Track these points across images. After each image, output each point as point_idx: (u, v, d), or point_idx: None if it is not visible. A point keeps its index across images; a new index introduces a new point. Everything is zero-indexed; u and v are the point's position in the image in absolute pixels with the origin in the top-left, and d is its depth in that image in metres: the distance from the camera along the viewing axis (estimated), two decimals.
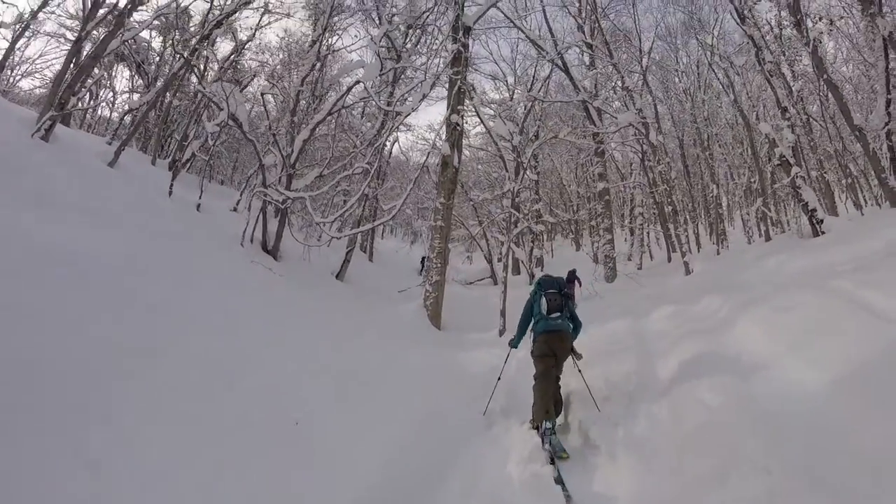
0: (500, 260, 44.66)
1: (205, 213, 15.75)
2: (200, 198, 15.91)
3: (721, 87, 32.67)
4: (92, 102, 31.29)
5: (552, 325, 8.25)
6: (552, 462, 6.76)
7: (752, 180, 30.67)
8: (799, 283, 9.87)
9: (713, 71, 31.86)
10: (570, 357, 8.71)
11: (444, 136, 18.20)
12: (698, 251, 33.42)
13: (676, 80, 37.77)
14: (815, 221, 17.45)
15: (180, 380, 6.55)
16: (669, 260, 32.10)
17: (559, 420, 7.80)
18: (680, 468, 5.84)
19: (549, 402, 7.57)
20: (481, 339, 11.52)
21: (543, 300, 8.45)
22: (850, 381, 5.67)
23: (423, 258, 39.73)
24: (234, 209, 18.28)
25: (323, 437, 7.05)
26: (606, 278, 27.45)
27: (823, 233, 17.07)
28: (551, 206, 47.10)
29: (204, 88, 15.98)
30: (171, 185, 15.17)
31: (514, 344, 9.08)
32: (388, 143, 26.39)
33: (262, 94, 18.98)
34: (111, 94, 33.91)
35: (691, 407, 6.75)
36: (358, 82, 16.28)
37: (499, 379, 9.06)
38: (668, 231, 29.58)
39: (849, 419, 5.21)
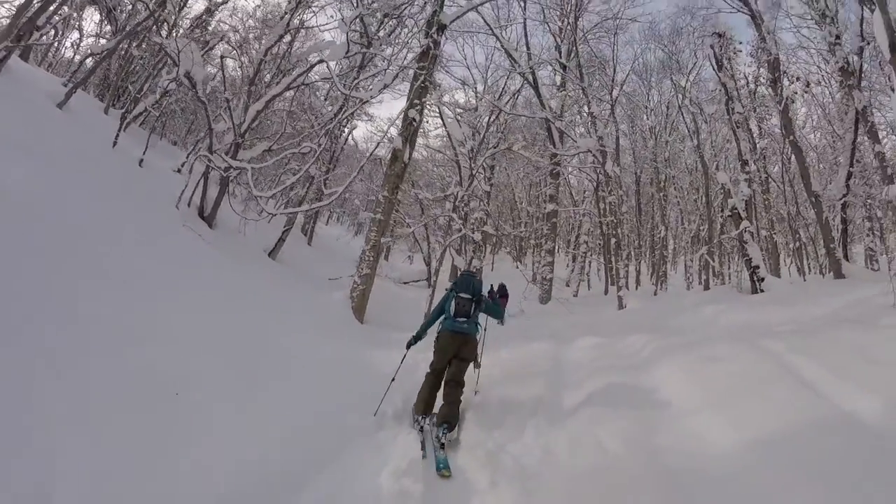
0: (439, 265, 44.74)
1: (146, 170, 15.34)
2: (144, 153, 15.56)
3: (687, 131, 32.81)
4: (57, 39, 30.35)
5: (457, 326, 8.08)
6: (423, 448, 6.74)
7: (702, 228, 30.77)
8: (732, 336, 9.40)
9: (682, 114, 32.11)
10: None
11: (399, 130, 17.45)
12: (636, 288, 33.64)
13: (644, 117, 37.97)
14: (755, 278, 17.46)
15: (54, 339, 6.02)
16: (606, 292, 32.26)
17: (452, 435, 7.21)
18: None
19: (431, 395, 7.83)
20: (401, 339, 10.71)
21: (453, 303, 8.24)
22: (769, 450, 5.11)
23: None
24: (178, 170, 17.59)
25: (199, 422, 6.37)
26: (541, 300, 27.32)
27: (762, 291, 17.09)
28: (500, 220, 46.77)
29: (163, 42, 15.16)
30: (117, 136, 14.73)
31: (414, 336, 8.69)
32: (345, 130, 25.99)
33: (221, 58, 18.06)
34: (78, 35, 33.04)
35: (589, 447, 6.16)
36: (321, 61, 15.57)
37: (392, 380, 8.52)
38: (609, 263, 29.30)
39: (762, 490, 4.66)
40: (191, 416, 6.31)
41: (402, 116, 17.50)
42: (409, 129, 16.95)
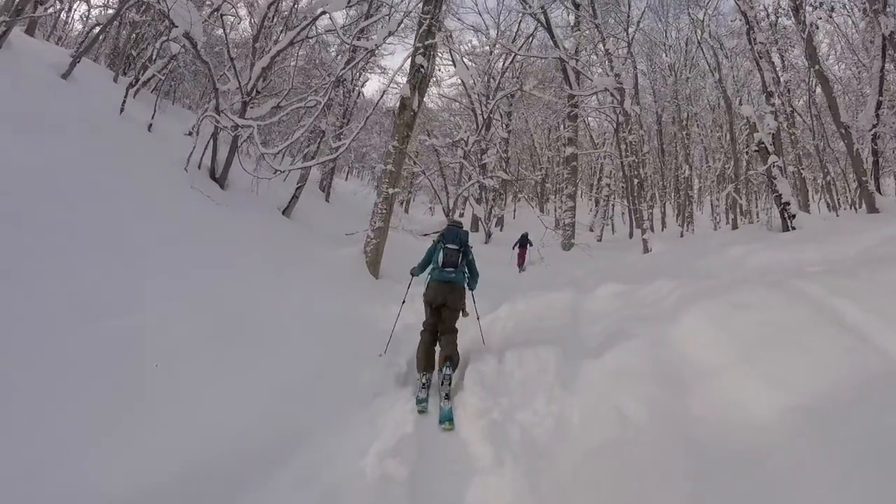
0: (461, 215, 44.11)
1: (156, 134, 14.91)
2: (153, 118, 15.17)
3: (707, 67, 31.87)
4: (63, 12, 29.89)
5: (445, 276, 8.31)
6: (420, 411, 6.75)
7: (727, 166, 29.92)
8: (762, 279, 8.54)
9: (701, 50, 31.22)
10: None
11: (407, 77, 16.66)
12: (662, 230, 32.95)
13: (663, 54, 37.00)
14: (786, 215, 16.66)
15: (33, 307, 5.92)
16: (631, 236, 31.72)
17: (456, 375, 7.66)
18: (574, 491, 4.65)
19: (429, 351, 7.94)
20: (414, 293, 10.29)
21: (441, 253, 8.44)
22: (812, 417, 4.39)
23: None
24: (190, 133, 16.61)
25: (176, 390, 5.96)
26: (563, 246, 26.79)
27: (794, 228, 16.37)
28: (519, 167, 46.00)
29: (158, 3, 14.49)
30: (124, 102, 14.34)
31: (414, 272, 9.18)
32: (357, 84, 25.25)
33: (220, 15, 17.38)
34: (87, 7, 32.39)
35: (607, 416, 5.46)
36: (324, 13, 14.82)
37: (392, 333, 9.01)
38: (632, 206, 28.50)
39: (806, 469, 3.94)
40: (164, 386, 5.92)
41: (409, 63, 16.71)
42: (418, 76, 16.12)
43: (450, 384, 7.22)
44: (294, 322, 8.95)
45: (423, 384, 7.32)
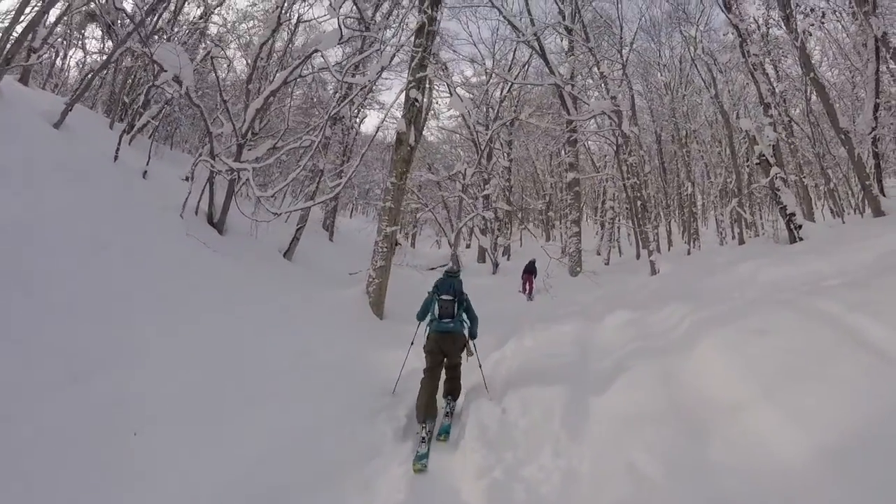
0: (468, 246, 43.77)
1: (151, 181, 14.51)
2: (148, 164, 14.81)
3: (703, 83, 31.72)
4: (59, 59, 29.80)
5: (443, 327, 8.34)
6: (418, 469, 6.42)
7: (729, 180, 29.61)
8: (776, 299, 7.98)
9: (696, 66, 31.25)
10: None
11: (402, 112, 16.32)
12: (669, 249, 32.62)
13: (658, 74, 36.90)
14: (792, 226, 16.32)
15: (17, 365, 5.85)
16: (638, 257, 31.50)
17: (456, 428, 7.49)
18: None
19: (430, 398, 7.74)
20: (422, 335, 9.89)
21: (436, 305, 8.50)
22: (840, 458, 3.94)
23: (396, 241, 38.26)
24: (186, 179, 16.21)
25: (153, 461, 5.60)
26: (570, 272, 26.36)
27: (801, 239, 16.02)
28: (522, 195, 45.72)
29: (146, 48, 14.22)
30: (118, 149, 13.89)
31: (419, 317, 9.09)
32: (356, 121, 25.02)
33: (211, 59, 17.09)
34: (82, 54, 32.24)
35: (620, 470, 4.96)
36: (316, 51, 14.56)
37: (398, 378, 8.84)
38: (637, 227, 28.12)
39: None
40: (141, 456, 5.61)
41: (404, 97, 16.41)
42: (413, 111, 15.87)
43: (452, 411, 7.75)
44: (289, 374, 8.50)
45: (424, 438, 7.05)
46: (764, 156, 17.58)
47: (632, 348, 8.31)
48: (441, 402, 8.03)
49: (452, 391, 8.23)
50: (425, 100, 30.55)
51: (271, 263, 15.87)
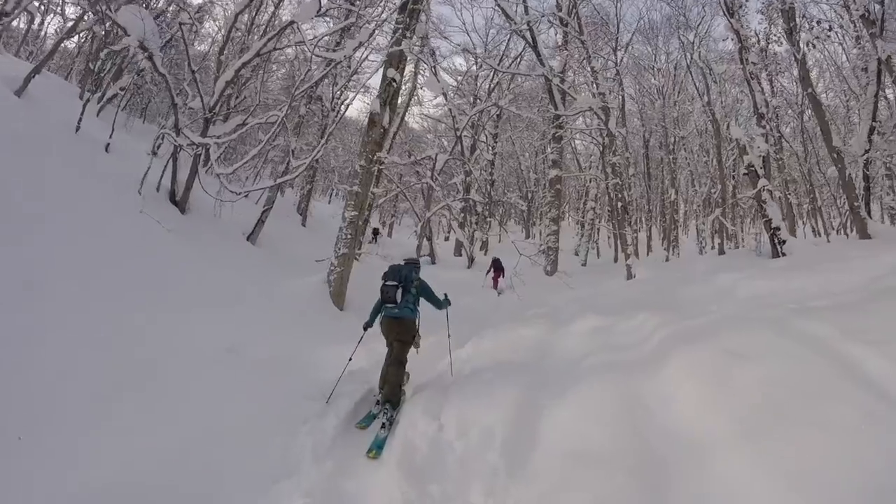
0: (446, 239, 43.01)
1: (113, 154, 14.00)
2: (111, 136, 14.25)
3: (696, 91, 31.60)
4: (34, 24, 29.02)
5: (388, 311, 8.33)
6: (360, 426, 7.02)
7: (713, 190, 29.17)
8: (758, 316, 7.06)
9: (690, 73, 31.37)
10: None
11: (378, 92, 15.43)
12: (648, 255, 32.35)
13: (651, 78, 36.56)
14: (776, 240, 15.91)
15: None
16: (616, 260, 31.62)
17: (395, 415, 7.39)
18: None
19: (390, 383, 7.80)
20: (376, 329, 9.06)
21: (381, 291, 8.36)
22: None
23: (375, 229, 37.58)
24: (154, 153, 15.39)
25: (41, 463, 4.86)
26: (546, 271, 25.76)
27: (784, 254, 15.65)
28: (506, 190, 45.14)
29: (107, 8, 13.34)
30: (80, 119, 13.48)
31: (366, 324, 8.76)
32: (338, 101, 24.26)
33: (179, 24, 16.21)
34: (62, 20, 31.32)
35: None
36: (292, 23, 13.68)
37: (336, 382, 7.96)
38: (616, 230, 27.52)
39: None
40: (27, 459, 4.85)
41: (381, 79, 15.46)
42: (389, 91, 14.96)
43: (390, 422, 7.14)
44: (210, 370, 7.51)
45: (378, 401, 7.65)
46: (753, 166, 16.95)
47: (596, 361, 7.31)
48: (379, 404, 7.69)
49: (390, 398, 7.71)
50: (410, 84, 30.02)
51: (232, 246, 15.03)
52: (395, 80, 14.93)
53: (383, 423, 7.07)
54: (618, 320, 9.69)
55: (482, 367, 8.46)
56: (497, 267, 24.45)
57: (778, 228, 15.93)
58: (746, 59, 18.33)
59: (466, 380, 7.84)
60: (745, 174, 17.72)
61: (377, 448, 6.49)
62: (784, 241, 15.80)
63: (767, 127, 18.84)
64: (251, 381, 7.52)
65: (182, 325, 8.44)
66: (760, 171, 16.91)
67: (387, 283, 8.35)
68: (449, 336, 9.20)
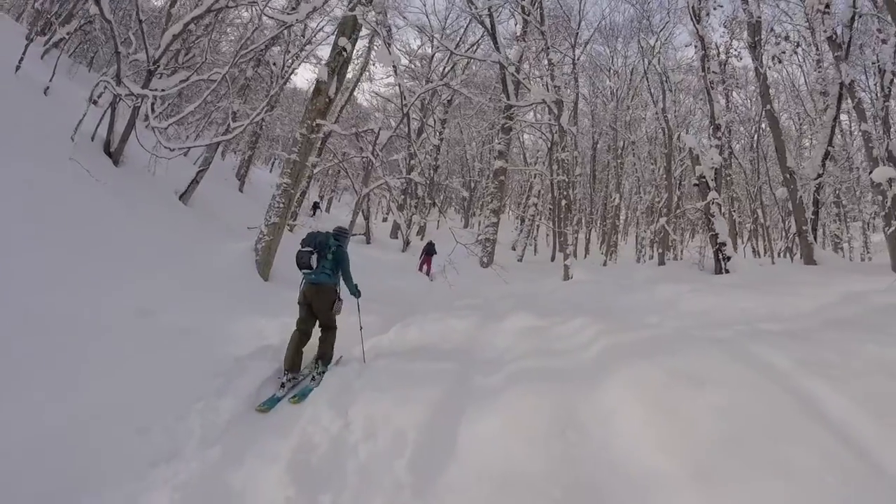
0: (384, 220, 42.52)
1: (52, 98, 13.39)
2: (51, 80, 13.65)
3: (650, 97, 31.69)
4: None
5: (308, 278, 8.22)
6: (260, 409, 6.45)
7: (657, 199, 28.95)
8: (707, 337, 6.57)
9: (646, 79, 31.48)
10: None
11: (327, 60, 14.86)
12: (585, 257, 32.30)
13: (607, 79, 36.64)
14: (721, 256, 15.65)
15: None
16: (553, 259, 31.62)
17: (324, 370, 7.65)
18: None
19: (297, 351, 7.70)
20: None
21: (296, 256, 8.29)
22: None
23: (316, 202, 36.84)
24: (94, 102, 14.46)
25: None
26: (481, 262, 25.38)
27: (728, 271, 15.29)
28: (450, 177, 44.77)
29: None
30: (21, 60, 13.09)
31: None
32: (287, 69, 23.75)
33: None
34: None
35: None
36: None
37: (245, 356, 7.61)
38: (557, 228, 27.22)
39: None
40: None
41: (331, 46, 14.88)
42: (338, 60, 14.34)
43: (320, 376, 7.38)
44: (112, 336, 6.73)
45: (283, 384, 7.16)
46: (704, 178, 16.61)
47: (529, 365, 6.69)
48: (310, 363, 7.89)
49: (322, 355, 7.96)
50: (362, 59, 29.49)
51: (161, 204, 14.12)
52: (345, 50, 14.36)
53: (313, 377, 7.46)
54: (554, 322, 9.29)
55: (403, 359, 7.74)
56: (429, 252, 24.24)
57: (724, 244, 15.61)
58: (708, 68, 18.03)
59: (383, 372, 7.11)
60: (695, 185, 17.43)
61: (301, 396, 6.71)
62: (729, 258, 15.50)
63: (722, 139, 18.57)
64: (153, 350, 6.76)
65: (91, 282, 7.69)
66: (711, 184, 16.58)
67: (302, 247, 8.25)
68: (361, 329, 8.60)
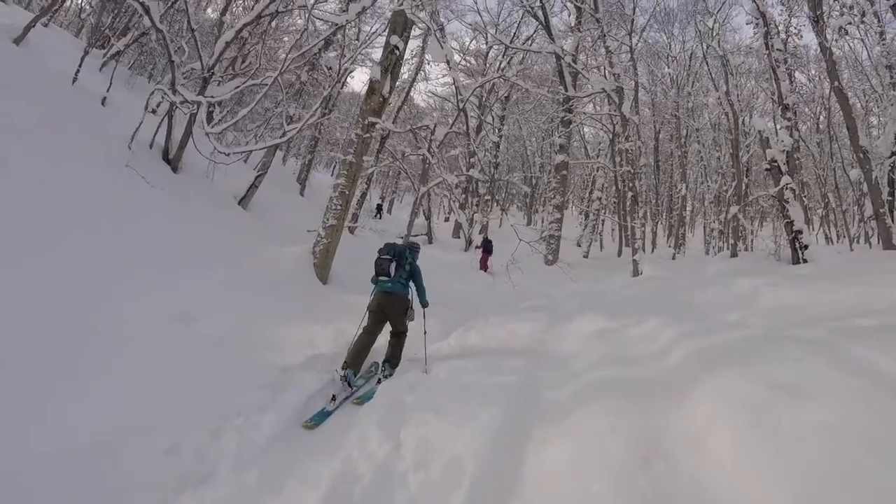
0: (446, 220, 42.09)
1: (110, 108, 13.32)
2: (108, 90, 13.55)
3: (712, 82, 30.76)
4: None
5: (382, 286, 8.22)
6: (333, 399, 6.58)
7: (725, 188, 27.95)
8: (798, 337, 5.87)
9: (706, 63, 30.58)
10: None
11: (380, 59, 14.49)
12: (653, 251, 31.51)
13: (665, 66, 36.48)
14: (798, 245, 14.61)
15: None
16: (619, 254, 31.13)
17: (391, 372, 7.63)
18: None
19: (361, 350, 7.66)
20: (358, 305, 8.62)
21: (375, 264, 8.39)
22: None
23: (379, 204, 36.63)
24: (153, 111, 15.06)
25: None
26: (546, 260, 24.77)
27: (805, 261, 14.42)
28: (511, 174, 44.26)
29: None
30: (78, 71, 12.97)
31: (372, 280, 8.62)
32: (343, 71, 23.75)
33: None
34: None
35: None
36: None
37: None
38: (623, 222, 26.45)
39: None
40: None
41: (384, 46, 14.44)
42: (391, 58, 13.95)
43: (383, 375, 7.45)
44: (155, 341, 6.38)
45: (333, 397, 6.69)
46: (776, 162, 15.71)
47: (602, 376, 6.04)
48: (372, 366, 7.95)
49: (391, 358, 7.96)
50: (417, 59, 29.18)
51: (220, 210, 13.97)
52: (397, 48, 14.02)
53: (379, 379, 7.39)
54: (626, 323, 8.64)
55: (461, 370, 7.14)
56: (486, 248, 24.01)
57: (800, 232, 14.80)
58: (771, 45, 17.14)
59: (439, 386, 6.52)
60: (766, 170, 16.61)
61: (367, 399, 6.53)
62: (806, 247, 14.69)
63: (792, 120, 17.61)
64: (190, 359, 6.32)
65: (132, 288, 7.35)
66: (784, 168, 15.71)
67: (382, 255, 8.34)
68: (425, 333, 8.40)
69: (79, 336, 5.77)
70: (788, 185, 15.26)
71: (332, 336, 8.22)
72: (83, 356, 5.50)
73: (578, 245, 34.62)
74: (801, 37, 21.23)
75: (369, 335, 7.89)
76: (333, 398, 6.60)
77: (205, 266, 9.42)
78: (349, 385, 7.06)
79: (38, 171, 8.23)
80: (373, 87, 13.67)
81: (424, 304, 8.60)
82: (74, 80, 12.72)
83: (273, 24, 20.99)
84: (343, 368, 7.18)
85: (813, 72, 29.55)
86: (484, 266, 23.26)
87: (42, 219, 7.36)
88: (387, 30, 14.50)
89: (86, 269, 7.03)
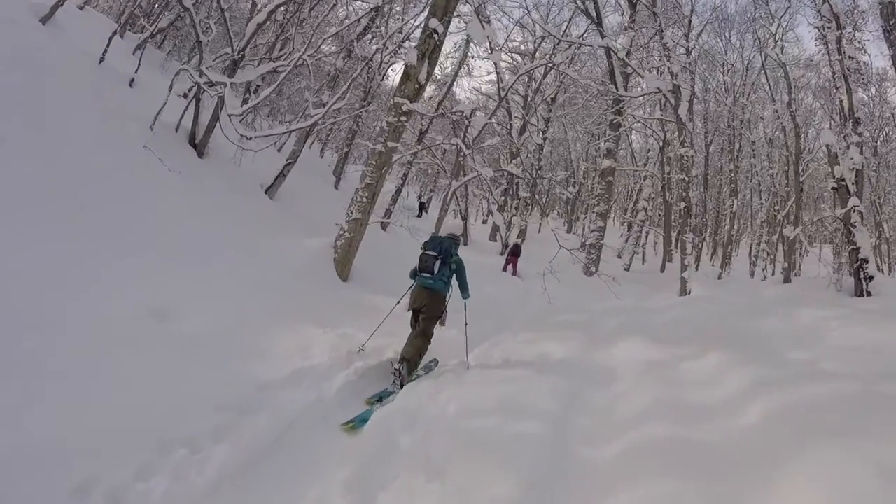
0: (484, 222, 41.33)
1: (136, 90, 13.22)
2: (137, 72, 13.53)
3: (769, 93, 29.46)
4: None
5: (423, 281, 8.23)
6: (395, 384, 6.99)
7: (776, 207, 26.76)
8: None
9: (765, 72, 29.75)
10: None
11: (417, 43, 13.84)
12: (696, 269, 30.06)
13: (720, 74, 35.71)
14: (863, 275, 13.42)
15: None
16: (663, 269, 30.23)
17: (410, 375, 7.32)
18: None
19: (410, 347, 7.73)
20: (379, 307, 8.84)
21: (419, 259, 8.41)
22: None
23: (421, 202, 35.84)
24: (185, 95, 15.04)
25: None
26: (585, 270, 23.84)
27: (870, 293, 13.13)
28: (554, 178, 43.48)
29: None
30: (105, 51, 12.67)
31: (410, 275, 8.68)
32: (384, 62, 23.41)
33: None
34: None
35: None
36: None
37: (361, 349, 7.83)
38: (671, 234, 25.43)
39: None
40: None
41: (422, 29, 13.75)
42: (429, 43, 13.07)
43: (399, 385, 7.06)
44: (117, 340, 5.51)
45: (395, 373, 7.20)
46: (844, 181, 14.39)
47: (656, 433, 4.58)
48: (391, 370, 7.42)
49: (411, 358, 7.60)
50: (461, 52, 28.56)
51: (244, 197, 13.55)
52: (436, 31, 13.10)
53: (394, 381, 7.15)
54: (680, 355, 7.35)
55: (478, 410, 5.47)
56: (515, 252, 23.87)
57: (866, 260, 13.58)
58: (844, 52, 15.82)
59: (448, 429, 5.10)
60: (833, 188, 15.33)
61: (361, 422, 5.97)
62: (871, 278, 13.44)
63: (865, 135, 16.26)
64: (152, 365, 5.35)
65: (116, 278, 6.68)
66: (852, 188, 14.40)
67: (427, 252, 8.34)
68: (466, 325, 8.46)
69: (41, 338, 5.03)
70: (856, 208, 13.97)
71: (332, 344, 7.30)
72: (42, 361, 4.77)
73: (619, 257, 33.76)
74: (865, 51, 20.15)
75: (417, 330, 8.06)
76: (393, 382, 7.04)
77: (205, 256, 8.72)
78: (400, 379, 7.11)
79: (38, 149, 7.76)
80: (408, 73, 12.98)
81: (467, 297, 8.65)
82: (101, 60, 12.34)
83: (312, 12, 20.69)
84: (396, 368, 7.28)
85: (874, 91, 28.44)
86: (511, 268, 23.24)
87: (40, 195, 7.03)
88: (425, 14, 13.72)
89: (74, 252, 6.54)
